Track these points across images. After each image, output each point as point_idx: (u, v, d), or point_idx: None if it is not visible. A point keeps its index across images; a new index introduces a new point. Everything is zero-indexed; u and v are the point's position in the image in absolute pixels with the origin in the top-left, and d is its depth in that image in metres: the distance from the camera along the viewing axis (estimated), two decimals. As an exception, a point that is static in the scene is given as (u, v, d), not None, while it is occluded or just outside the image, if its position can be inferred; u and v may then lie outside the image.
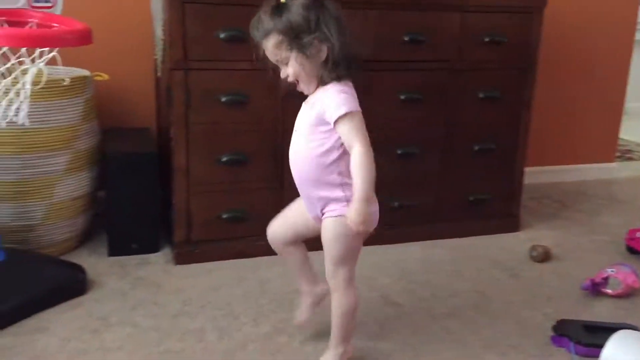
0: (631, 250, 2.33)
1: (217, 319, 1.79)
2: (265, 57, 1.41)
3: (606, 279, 2.00)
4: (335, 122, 1.35)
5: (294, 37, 1.34)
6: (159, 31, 2.12)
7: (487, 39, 2.31)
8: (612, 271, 2.00)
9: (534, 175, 3.11)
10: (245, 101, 2.07)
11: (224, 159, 2.08)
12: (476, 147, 2.41)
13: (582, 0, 3.04)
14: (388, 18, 2.18)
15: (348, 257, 1.46)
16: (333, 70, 1.36)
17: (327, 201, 1.44)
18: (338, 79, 1.38)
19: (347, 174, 1.39)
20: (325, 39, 1.34)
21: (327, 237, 1.45)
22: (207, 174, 2.08)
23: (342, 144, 1.38)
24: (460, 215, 2.48)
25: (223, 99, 2.04)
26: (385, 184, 2.32)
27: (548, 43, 2.75)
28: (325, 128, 1.38)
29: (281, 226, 1.61)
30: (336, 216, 1.42)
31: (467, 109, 2.37)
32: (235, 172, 2.11)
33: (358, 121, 1.36)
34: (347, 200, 1.40)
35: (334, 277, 1.47)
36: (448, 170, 2.40)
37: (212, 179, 2.09)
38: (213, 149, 2.07)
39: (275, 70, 1.44)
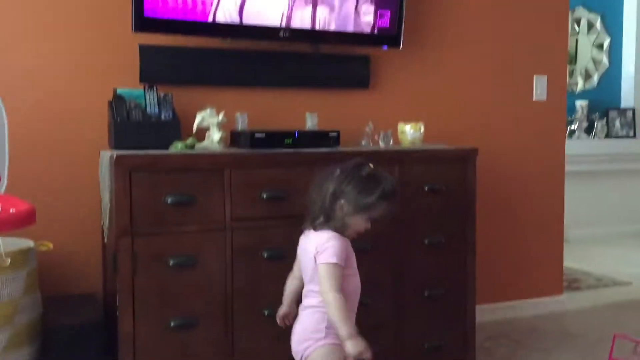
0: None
1: None
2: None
3: None
4: None
5: None
6: (105, 198, 2.15)
7: (427, 188, 2.43)
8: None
9: (488, 312, 3.13)
10: (194, 264, 2.07)
11: (173, 323, 2.04)
12: (426, 293, 2.43)
13: (512, 143, 3.25)
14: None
15: None
16: None
17: None
18: None
19: None
20: None
21: None
22: (155, 341, 2.02)
23: None
24: (418, 362, 2.44)
25: (171, 263, 2.03)
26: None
27: (485, 186, 2.90)
28: None
29: None
30: None
31: (414, 255, 2.42)
32: (184, 338, 2.06)
33: None
34: None
35: None
36: (401, 318, 2.40)
37: (160, 346, 2.03)
38: (161, 314, 2.03)
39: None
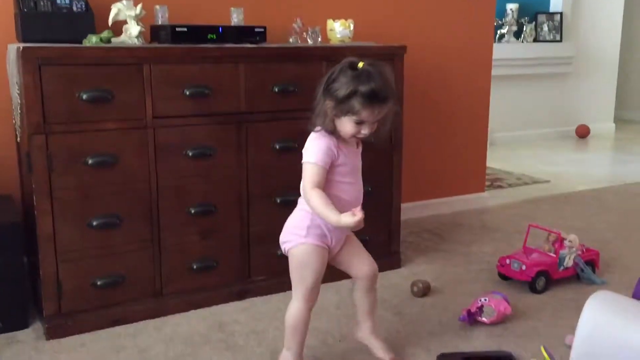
0: (502, 276, 2.47)
1: (94, 396, 1.68)
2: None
3: (481, 308, 2.10)
4: None
5: None
6: (15, 95, 2.02)
7: (354, 86, 2.41)
8: (485, 300, 2.11)
9: (412, 210, 3.25)
10: (114, 163, 2.00)
11: (95, 222, 2.00)
12: (353, 190, 2.47)
13: (441, 43, 3.25)
14: (257, 71, 2.21)
15: None
16: None
17: None
18: None
19: None
20: None
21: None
22: (76, 240, 1.98)
23: None
24: (344, 257, 2.51)
25: (90, 162, 1.97)
26: (267, 234, 2.35)
27: (413, 85, 2.91)
28: None
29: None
30: None
31: (341, 153, 2.43)
32: (107, 237, 2.03)
33: None
34: None
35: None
36: (328, 215, 2.44)
37: (82, 245, 1.99)
38: (82, 213, 1.98)
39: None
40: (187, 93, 2.09)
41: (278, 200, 2.32)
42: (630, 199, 3.80)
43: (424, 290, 2.34)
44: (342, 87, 1.57)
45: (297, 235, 1.71)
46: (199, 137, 2.14)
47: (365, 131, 1.62)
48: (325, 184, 1.64)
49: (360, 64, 1.58)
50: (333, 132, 1.64)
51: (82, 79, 1.93)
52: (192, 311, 2.18)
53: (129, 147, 2.03)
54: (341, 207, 1.59)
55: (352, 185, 1.71)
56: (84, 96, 1.93)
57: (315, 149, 1.63)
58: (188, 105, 2.11)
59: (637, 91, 7.22)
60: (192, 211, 2.15)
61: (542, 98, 5.89)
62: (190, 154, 2.12)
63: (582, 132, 6.04)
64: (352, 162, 1.70)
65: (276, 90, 2.25)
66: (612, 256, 2.74)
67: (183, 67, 2.10)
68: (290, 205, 2.36)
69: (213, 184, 2.19)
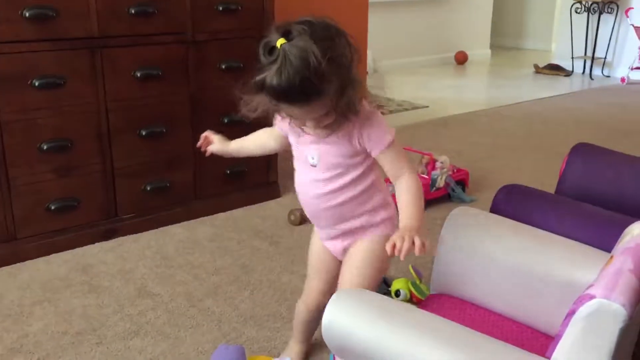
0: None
1: None
2: None
3: (356, 232, 2.11)
4: None
5: None
6: None
7: (220, 8, 2.26)
8: (359, 224, 2.12)
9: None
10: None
11: None
12: (226, 120, 2.36)
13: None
14: (109, -10, 2.01)
15: None
16: None
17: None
18: None
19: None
20: None
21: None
22: None
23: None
24: (221, 190, 2.44)
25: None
26: (134, 170, 2.21)
27: (282, 8, 2.79)
28: None
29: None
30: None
31: (210, 81, 2.31)
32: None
33: None
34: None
35: None
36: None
37: None
38: None
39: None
40: (27, 15, 1.86)
41: (143, 133, 2.17)
42: (502, 121, 3.97)
43: (302, 219, 2.32)
44: (256, 73, 1.10)
45: None
46: (46, 65, 1.93)
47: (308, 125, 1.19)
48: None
49: (279, 43, 1.07)
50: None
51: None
52: (54, 255, 2.03)
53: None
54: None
55: (300, 175, 1.31)
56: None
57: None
58: (29, 28, 1.88)
59: (511, 18, 7.51)
60: (45, 147, 1.97)
61: (422, 26, 5.96)
62: (36, 83, 1.91)
63: (461, 59, 6.21)
64: (298, 147, 1.28)
65: (133, 12, 2.06)
66: (481, 175, 2.86)
67: (20, -15, 1.86)
68: (156, 138, 2.24)
69: (66, 117, 2.00)
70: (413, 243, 1.08)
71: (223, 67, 2.31)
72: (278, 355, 1.54)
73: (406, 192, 1.21)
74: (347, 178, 1.24)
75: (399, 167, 1.22)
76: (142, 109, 2.16)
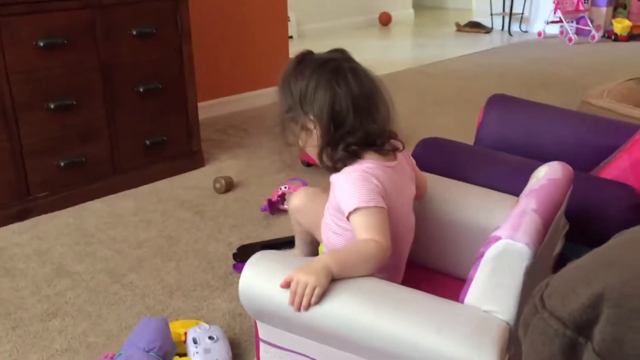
0: (306, 164, 2.48)
1: None
2: None
3: (282, 196, 2.09)
4: None
5: None
6: None
7: (130, -28, 2.15)
8: (285, 187, 2.10)
9: (216, 107, 3.13)
10: None
11: None
12: (141, 89, 2.27)
13: None
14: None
15: None
16: None
17: None
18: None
19: None
20: None
21: None
22: None
23: None
24: (141, 162, 2.35)
25: None
26: (45, 146, 2.10)
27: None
28: None
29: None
30: None
31: (122, 48, 2.20)
32: None
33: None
34: None
35: None
36: (116, 117, 2.23)
37: None
38: None
39: None
40: None
41: (52, 107, 2.05)
42: (425, 79, 4.01)
43: (227, 187, 2.28)
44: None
45: None
46: None
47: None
48: None
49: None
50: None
51: None
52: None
53: None
54: None
55: None
56: None
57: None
58: None
59: (433, -22, 7.55)
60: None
61: (345, -14, 5.91)
62: None
63: (385, 20, 6.22)
64: None
65: (29, -24, 1.93)
66: (407, 134, 2.86)
67: None
68: (67, 111, 2.12)
69: (-37, 93, 1.86)
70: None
71: (134, 32, 2.21)
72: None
73: (354, 243, 1.05)
74: None
75: (363, 236, 1.04)
76: (48, 81, 2.04)
